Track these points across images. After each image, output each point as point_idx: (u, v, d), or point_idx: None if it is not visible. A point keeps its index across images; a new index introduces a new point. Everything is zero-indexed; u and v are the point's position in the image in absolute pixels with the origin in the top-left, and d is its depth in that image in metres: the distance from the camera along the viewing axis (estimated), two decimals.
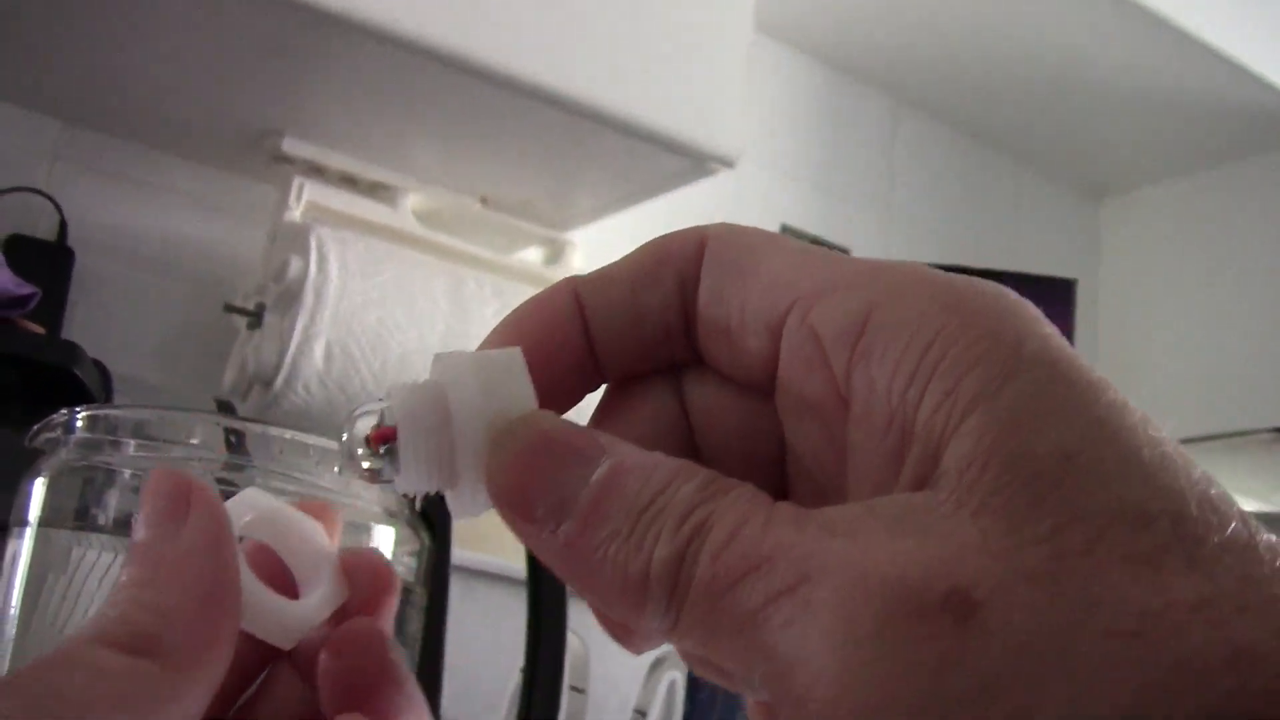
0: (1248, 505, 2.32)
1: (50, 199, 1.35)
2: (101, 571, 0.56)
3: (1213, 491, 0.25)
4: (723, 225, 0.31)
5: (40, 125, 1.38)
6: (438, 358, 0.31)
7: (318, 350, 1.19)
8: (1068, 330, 0.68)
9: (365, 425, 0.31)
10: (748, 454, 0.32)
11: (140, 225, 1.42)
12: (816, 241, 1.88)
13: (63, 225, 1.34)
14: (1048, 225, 2.24)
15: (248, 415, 1.24)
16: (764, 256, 0.30)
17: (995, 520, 0.24)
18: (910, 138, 2.08)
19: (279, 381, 1.20)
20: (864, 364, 0.27)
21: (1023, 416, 0.25)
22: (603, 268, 0.33)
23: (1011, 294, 0.28)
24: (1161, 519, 0.24)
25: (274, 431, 0.62)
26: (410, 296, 1.24)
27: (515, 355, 0.31)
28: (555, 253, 1.48)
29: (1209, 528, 0.24)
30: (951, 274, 0.28)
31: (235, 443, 0.61)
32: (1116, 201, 2.29)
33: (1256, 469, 2.17)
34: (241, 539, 0.35)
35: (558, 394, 0.32)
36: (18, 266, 1.24)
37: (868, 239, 1.99)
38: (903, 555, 0.24)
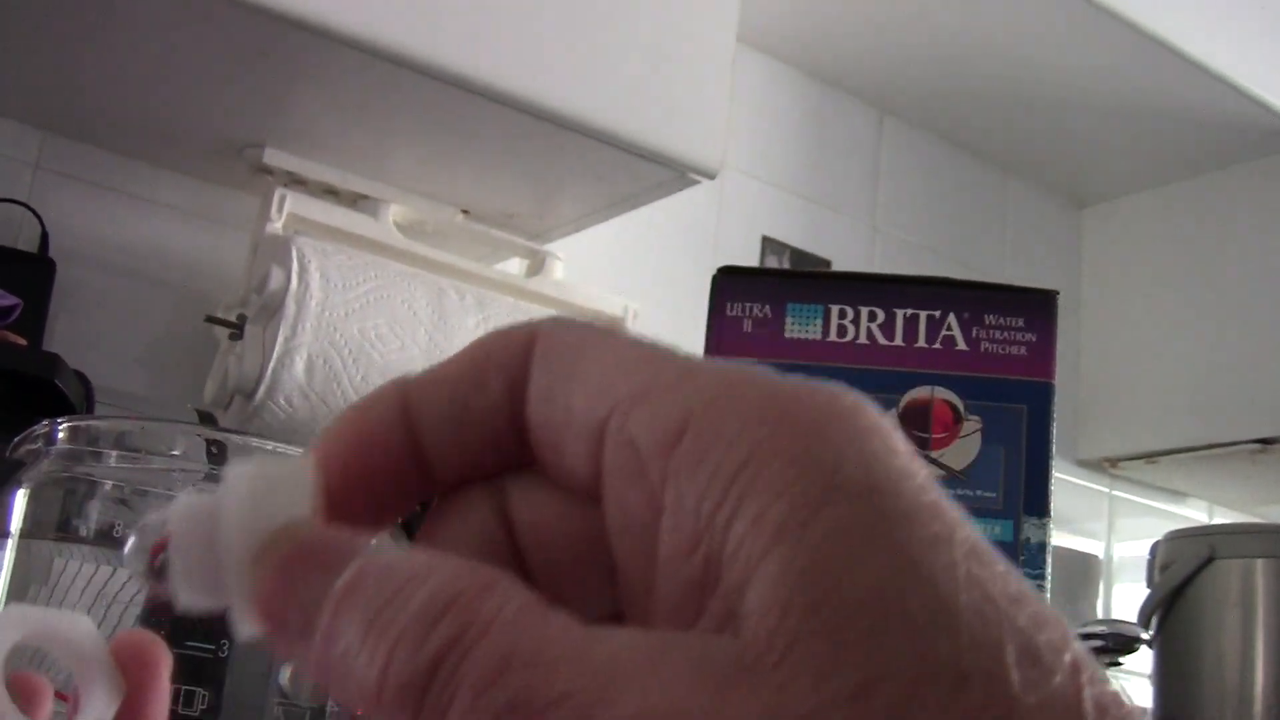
0: (1231, 518, 2.33)
1: (31, 210, 1.34)
2: (83, 582, 0.56)
3: (1040, 639, 0.23)
4: (553, 321, 0.29)
5: (21, 136, 1.38)
6: (229, 466, 0.29)
7: (299, 362, 1.19)
8: (1049, 342, 0.68)
9: (148, 535, 0.29)
10: (578, 570, 0.29)
11: (122, 236, 1.41)
12: (800, 252, 1.89)
13: (44, 236, 1.34)
14: (1030, 234, 2.24)
15: (229, 427, 1.24)
16: (591, 356, 0.28)
17: (796, 676, 0.22)
18: (893, 147, 2.09)
19: (260, 393, 1.19)
20: (676, 480, 0.25)
21: (830, 554, 0.23)
22: (433, 368, 0.30)
23: (846, 399, 0.26)
24: (975, 677, 0.22)
25: (255, 443, 0.62)
26: (392, 308, 1.24)
27: (299, 464, 0.28)
28: (537, 264, 1.48)
29: (1027, 687, 0.22)
30: (779, 379, 0.26)
31: (216, 454, 0.61)
32: (1098, 210, 2.30)
33: (1240, 480, 2.17)
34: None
35: (382, 505, 0.30)
36: None
37: (851, 249, 1.99)
38: (699, 711, 0.22)
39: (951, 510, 0.24)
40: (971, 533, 0.24)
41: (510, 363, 0.29)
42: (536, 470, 0.30)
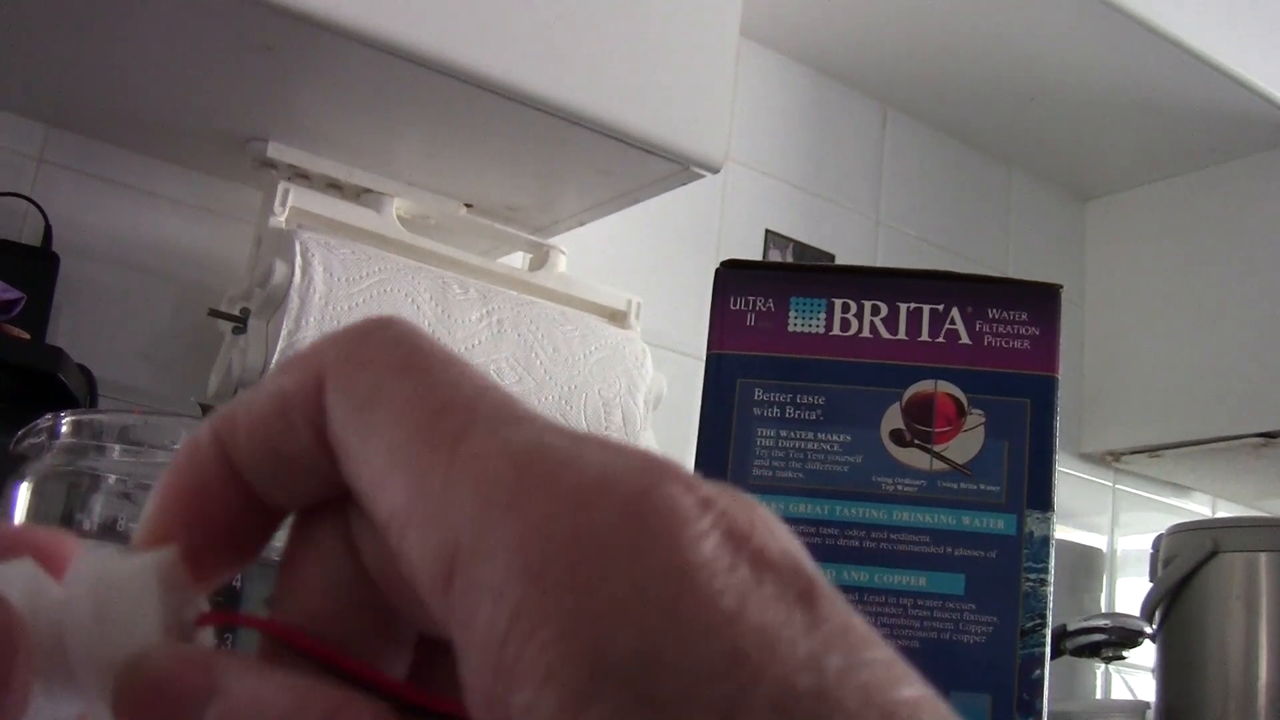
0: (1235, 511, 2.33)
1: (35, 204, 1.34)
2: None
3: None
4: (340, 357, 0.27)
5: (25, 129, 1.38)
6: (75, 561, 0.28)
7: None
8: (1052, 335, 0.68)
9: None
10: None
11: (125, 230, 1.41)
12: (803, 246, 1.89)
13: (48, 230, 1.34)
14: (1033, 227, 2.24)
15: None
16: (374, 429, 0.26)
17: None
18: (897, 141, 2.09)
19: None
20: (455, 629, 0.24)
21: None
22: (237, 406, 0.29)
23: (648, 501, 0.23)
24: None
25: None
26: (395, 301, 1.24)
27: (144, 567, 0.27)
28: (540, 257, 1.48)
29: None
30: (565, 469, 0.24)
31: None
32: (1102, 204, 2.30)
33: (1243, 474, 2.17)
34: None
35: (238, 545, 0.29)
36: (2, 272, 1.24)
37: (854, 242, 1.99)
38: None
39: (803, 588, 0.23)
40: (834, 607, 0.23)
41: (309, 409, 0.27)
42: None
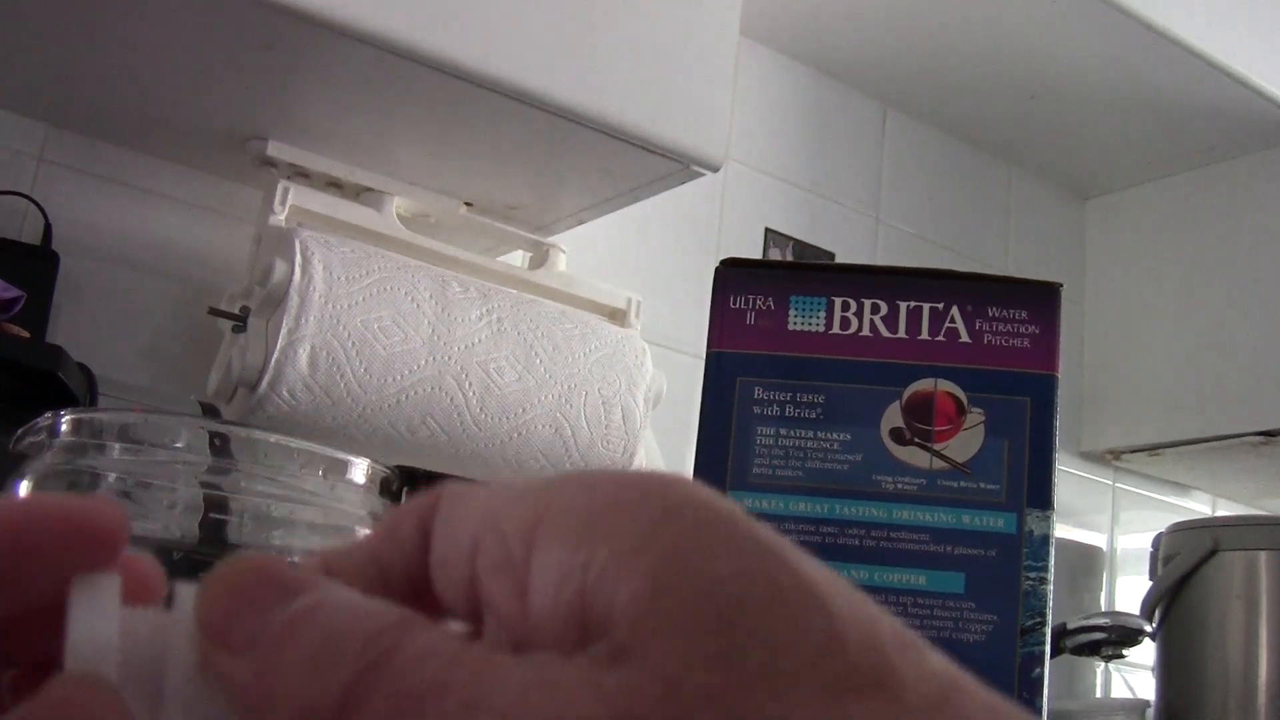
0: (1234, 510, 2.33)
1: (35, 202, 1.34)
2: None
3: (911, 636, 0.24)
4: (457, 483, 0.30)
5: (25, 128, 1.38)
6: (179, 589, 0.29)
7: (302, 354, 1.19)
8: (1052, 334, 0.68)
9: None
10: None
11: (125, 229, 1.41)
12: (803, 245, 1.89)
13: (48, 229, 1.34)
14: (1034, 226, 2.24)
15: (232, 419, 1.24)
16: (480, 493, 0.29)
17: (664, 652, 0.23)
18: (897, 139, 2.09)
19: (263, 385, 1.19)
20: (540, 552, 0.26)
21: (688, 550, 0.24)
22: (355, 542, 0.32)
23: (686, 480, 0.27)
24: (849, 641, 0.23)
25: (258, 435, 0.62)
26: (395, 300, 1.24)
27: None
28: (540, 256, 1.48)
29: (905, 663, 0.23)
30: (624, 472, 0.28)
31: (220, 446, 0.61)
32: (1102, 202, 2.30)
33: (1243, 473, 2.17)
34: None
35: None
36: (2, 270, 1.24)
37: (854, 241, 1.99)
38: (580, 695, 0.23)
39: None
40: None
41: (422, 516, 0.30)
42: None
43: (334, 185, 1.39)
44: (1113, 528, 2.26)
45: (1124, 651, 1.76)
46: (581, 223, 1.51)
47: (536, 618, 0.26)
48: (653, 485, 0.26)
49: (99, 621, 0.27)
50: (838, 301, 0.69)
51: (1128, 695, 2.01)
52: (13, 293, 1.22)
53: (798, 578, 0.24)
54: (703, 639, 0.23)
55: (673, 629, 0.23)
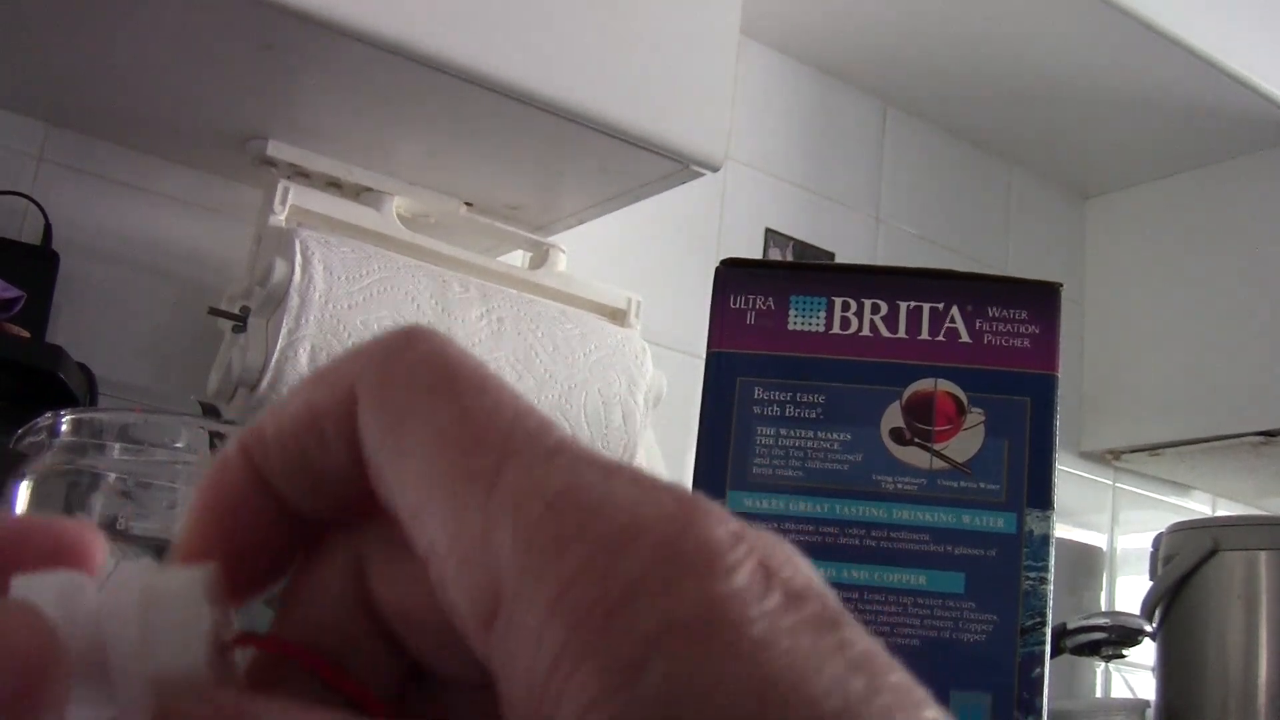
0: (1235, 510, 2.33)
1: (35, 202, 1.34)
2: None
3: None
4: (371, 373, 0.28)
5: (25, 128, 1.38)
6: (116, 571, 0.27)
7: (302, 354, 1.19)
8: (1052, 334, 0.68)
9: None
10: (437, 639, 0.28)
11: (125, 228, 1.41)
12: (803, 245, 1.89)
13: (48, 228, 1.34)
14: (1034, 226, 2.24)
15: (232, 419, 1.24)
16: (407, 451, 0.26)
17: None
18: (897, 139, 2.09)
19: (264, 385, 1.19)
20: (500, 661, 0.24)
21: (659, 703, 0.22)
22: (267, 419, 0.29)
23: (687, 541, 0.24)
24: None
25: None
26: (395, 300, 1.24)
27: (192, 581, 0.27)
28: (540, 256, 1.48)
29: None
30: (602, 504, 0.24)
31: (220, 446, 0.61)
32: (1102, 202, 2.30)
33: (1243, 473, 2.17)
34: None
35: (271, 563, 0.30)
36: (2, 270, 1.24)
37: (854, 241, 1.99)
38: None
39: (829, 617, 0.24)
40: (857, 634, 0.24)
41: (342, 422, 0.28)
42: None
43: (334, 185, 1.39)
44: (1113, 528, 2.26)
45: (1124, 651, 1.76)
46: (581, 223, 1.51)
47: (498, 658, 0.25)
48: (661, 579, 0.23)
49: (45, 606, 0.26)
50: (838, 301, 0.69)
51: (1128, 695, 2.01)
52: (13, 293, 1.22)
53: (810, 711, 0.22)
54: None
55: None
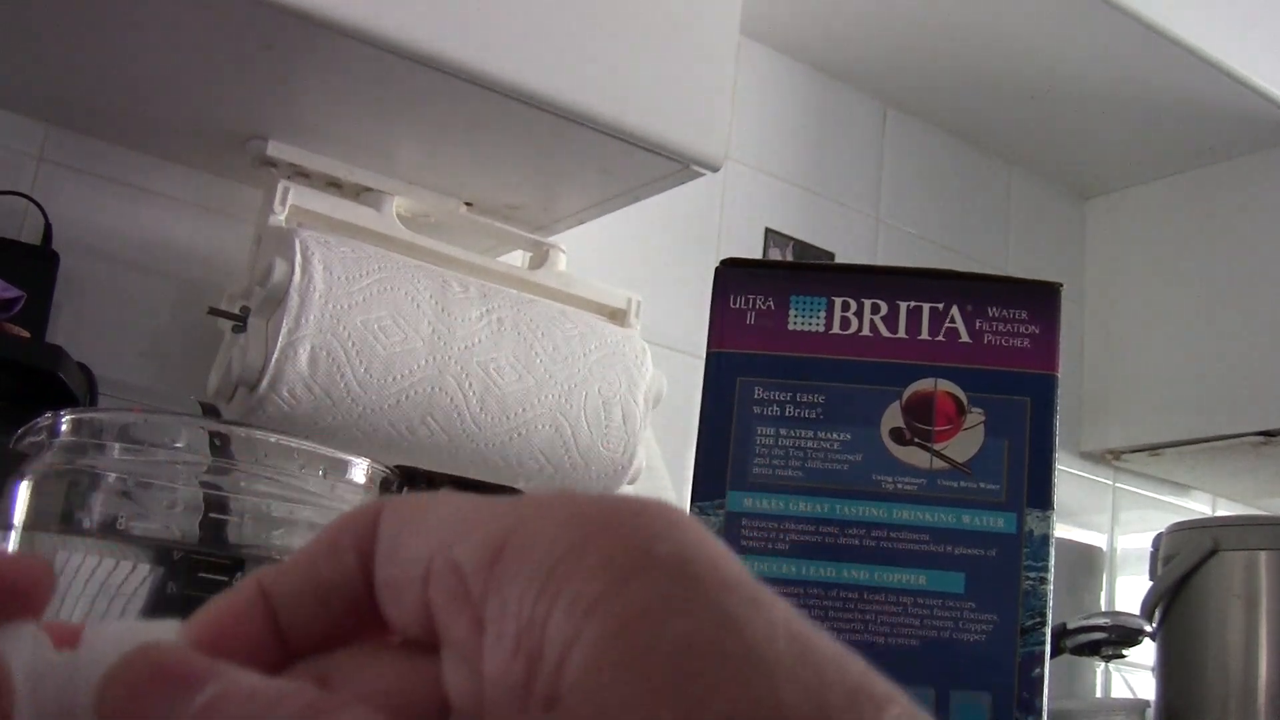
0: (1235, 510, 2.33)
1: (35, 202, 1.34)
2: (86, 575, 0.56)
3: (866, 692, 0.24)
4: (400, 496, 0.30)
5: (25, 128, 1.38)
6: (90, 630, 0.29)
7: (302, 354, 1.19)
8: (1052, 334, 0.68)
9: None
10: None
11: (125, 228, 1.41)
12: (803, 245, 1.89)
13: (48, 229, 1.34)
14: (1034, 226, 2.24)
15: (232, 419, 1.24)
16: (429, 511, 0.29)
17: None
18: (897, 139, 2.09)
19: (264, 385, 1.19)
20: (498, 590, 0.26)
21: (643, 616, 0.24)
22: (291, 557, 0.31)
23: (661, 505, 0.26)
24: (789, 709, 0.23)
25: (258, 435, 0.62)
26: (395, 300, 1.24)
27: (162, 629, 0.29)
28: (540, 256, 1.48)
29: (854, 711, 0.23)
30: (600, 495, 0.27)
31: (220, 446, 0.61)
32: (1102, 202, 2.30)
33: (1243, 473, 2.17)
34: None
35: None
36: (2, 270, 1.24)
37: (854, 241, 1.99)
38: None
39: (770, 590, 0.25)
40: (792, 609, 0.25)
41: (359, 533, 0.30)
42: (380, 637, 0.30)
43: (334, 185, 1.39)
44: (1113, 528, 2.26)
45: (1124, 651, 1.76)
46: (581, 223, 1.51)
47: (491, 662, 0.26)
48: (619, 528, 0.25)
49: (9, 662, 0.27)
50: (838, 301, 0.69)
51: (1128, 695, 2.01)
52: (13, 293, 1.22)
53: (747, 646, 0.23)
54: (656, 713, 0.23)
55: (623, 703, 0.23)
